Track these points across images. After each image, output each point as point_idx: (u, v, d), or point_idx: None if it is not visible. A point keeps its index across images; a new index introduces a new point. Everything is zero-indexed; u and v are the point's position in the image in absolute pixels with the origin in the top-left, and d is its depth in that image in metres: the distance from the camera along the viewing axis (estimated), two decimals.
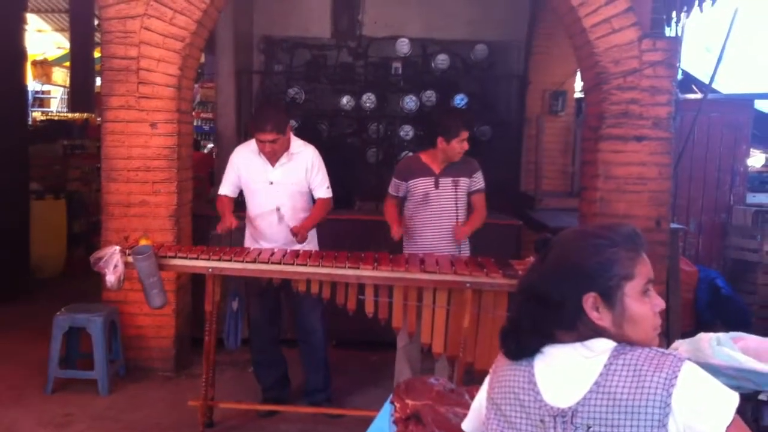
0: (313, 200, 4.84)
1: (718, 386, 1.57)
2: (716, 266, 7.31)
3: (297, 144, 4.78)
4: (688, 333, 2.76)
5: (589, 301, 1.64)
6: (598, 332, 1.65)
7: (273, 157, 4.65)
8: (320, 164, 4.79)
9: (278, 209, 4.66)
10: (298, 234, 4.52)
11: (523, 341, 1.74)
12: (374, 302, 4.14)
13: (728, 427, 1.51)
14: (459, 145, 4.69)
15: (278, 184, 4.67)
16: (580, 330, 1.66)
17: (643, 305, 1.66)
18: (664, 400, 1.52)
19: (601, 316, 1.64)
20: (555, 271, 1.70)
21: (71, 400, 4.90)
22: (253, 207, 4.77)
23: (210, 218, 5.87)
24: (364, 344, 5.95)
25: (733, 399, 1.55)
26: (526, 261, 4.17)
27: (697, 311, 6.50)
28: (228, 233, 4.59)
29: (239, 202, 4.90)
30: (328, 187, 4.80)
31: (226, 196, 4.81)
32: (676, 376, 1.54)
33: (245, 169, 4.75)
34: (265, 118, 4.54)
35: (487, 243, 5.04)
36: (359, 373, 5.57)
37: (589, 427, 1.58)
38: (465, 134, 4.68)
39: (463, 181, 4.80)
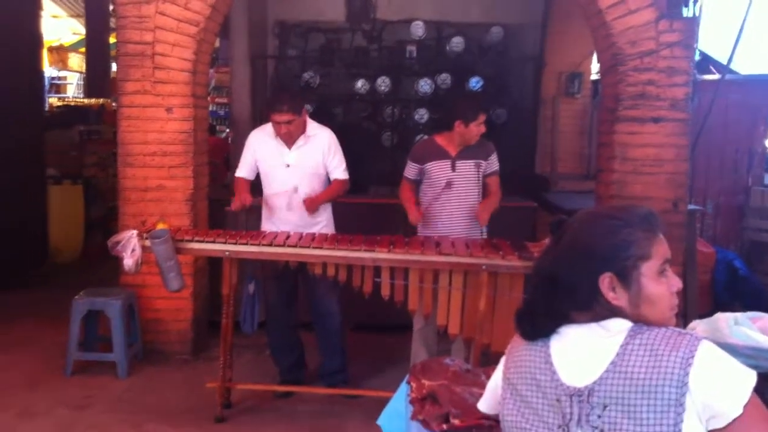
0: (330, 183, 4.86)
1: (736, 365, 1.56)
2: (734, 248, 7.26)
3: (313, 126, 4.80)
4: (706, 314, 2.74)
5: (606, 281, 1.64)
6: (614, 312, 1.65)
7: (289, 139, 4.66)
8: (337, 147, 4.81)
9: (296, 189, 4.67)
10: (308, 205, 4.56)
11: (538, 323, 1.75)
12: (390, 285, 4.16)
13: (745, 405, 1.51)
14: (477, 129, 4.70)
15: (294, 167, 4.68)
16: (597, 310, 1.66)
17: (660, 285, 1.66)
18: (681, 380, 1.52)
19: (617, 296, 1.64)
20: (570, 252, 1.70)
21: (90, 383, 4.95)
22: (270, 190, 4.78)
23: (226, 203, 5.91)
24: (380, 328, 5.96)
25: (751, 377, 1.55)
26: (542, 243, 4.16)
27: (714, 293, 6.47)
28: (243, 211, 4.62)
29: (255, 186, 4.91)
30: (344, 170, 4.82)
31: (243, 178, 4.84)
32: (693, 356, 1.54)
33: (261, 152, 4.77)
34: (281, 100, 4.59)
35: (502, 225, 5.03)
36: (376, 357, 5.59)
37: (605, 407, 1.59)
38: (482, 117, 4.71)
39: (480, 164, 4.81)
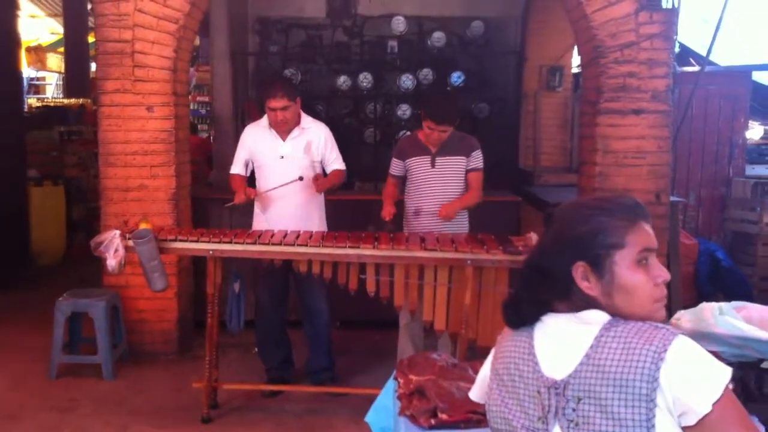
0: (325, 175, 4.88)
1: (710, 361, 1.53)
2: (716, 239, 7.30)
3: (308, 120, 4.84)
4: (689, 306, 2.76)
5: (579, 270, 1.63)
6: (589, 302, 1.64)
7: (284, 127, 4.67)
8: (332, 141, 4.86)
9: (301, 178, 4.65)
10: (317, 183, 4.62)
11: (521, 310, 1.74)
12: (376, 281, 4.16)
13: (716, 403, 1.48)
14: (428, 131, 4.67)
15: (289, 158, 4.70)
16: (573, 300, 1.65)
17: (636, 274, 1.62)
18: (651, 375, 1.50)
19: (591, 286, 1.62)
20: (551, 242, 1.71)
21: (75, 385, 4.92)
22: (264, 185, 4.78)
23: (210, 201, 5.90)
24: (367, 324, 5.95)
25: (724, 375, 1.51)
26: (526, 237, 4.17)
27: (697, 284, 6.50)
28: (244, 205, 4.66)
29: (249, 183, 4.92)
30: (342, 161, 4.88)
31: (238, 174, 4.84)
32: (665, 350, 1.51)
33: (256, 146, 4.79)
34: (276, 86, 4.63)
35: (486, 220, 5.04)
36: (363, 353, 5.58)
37: (579, 400, 1.57)
38: (434, 125, 4.62)
39: (461, 160, 4.78)
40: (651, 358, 1.51)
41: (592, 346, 1.59)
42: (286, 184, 4.64)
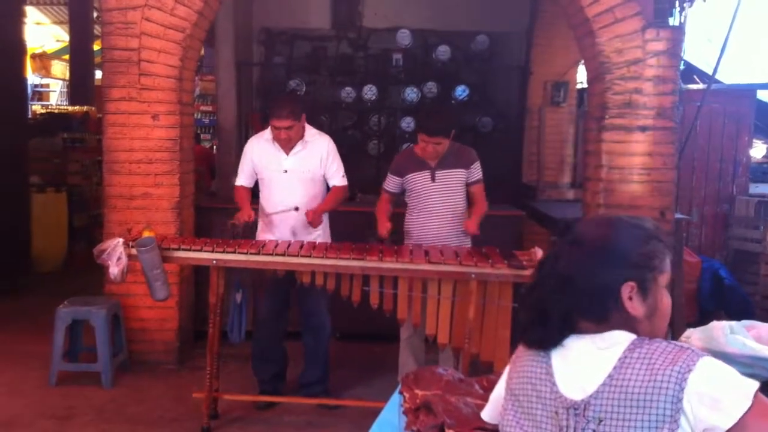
0: (328, 189, 4.85)
1: (735, 379, 1.53)
2: (719, 257, 7.30)
3: (311, 132, 4.80)
4: (692, 324, 2.74)
5: (627, 289, 1.63)
6: (627, 323, 1.64)
7: (288, 144, 4.66)
8: (335, 153, 4.81)
9: (296, 208, 4.65)
10: (312, 218, 4.54)
11: (549, 331, 1.69)
12: (379, 293, 4.13)
13: (746, 414, 1.47)
14: (423, 144, 4.66)
15: (292, 172, 4.67)
16: (610, 320, 1.64)
17: (666, 298, 1.68)
18: (675, 395, 1.50)
19: (634, 306, 1.63)
20: (596, 257, 1.66)
21: (74, 393, 4.88)
22: (268, 197, 4.76)
23: (212, 211, 5.89)
24: (367, 337, 5.92)
25: (748, 389, 1.50)
26: (530, 252, 4.15)
27: (700, 302, 6.49)
28: (243, 225, 4.59)
29: (254, 193, 4.91)
30: (343, 176, 4.83)
31: (243, 186, 4.83)
32: (689, 371, 1.51)
33: (259, 158, 4.77)
34: (282, 105, 4.60)
35: (489, 234, 5.01)
36: (362, 366, 5.55)
37: (600, 421, 1.56)
38: (427, 138, 4.62)
39: (461, 173, 4.78)
40: (675, 379, 1.51)
41: (615, 367, 1.59)
42: (282, 212, 4.66)
